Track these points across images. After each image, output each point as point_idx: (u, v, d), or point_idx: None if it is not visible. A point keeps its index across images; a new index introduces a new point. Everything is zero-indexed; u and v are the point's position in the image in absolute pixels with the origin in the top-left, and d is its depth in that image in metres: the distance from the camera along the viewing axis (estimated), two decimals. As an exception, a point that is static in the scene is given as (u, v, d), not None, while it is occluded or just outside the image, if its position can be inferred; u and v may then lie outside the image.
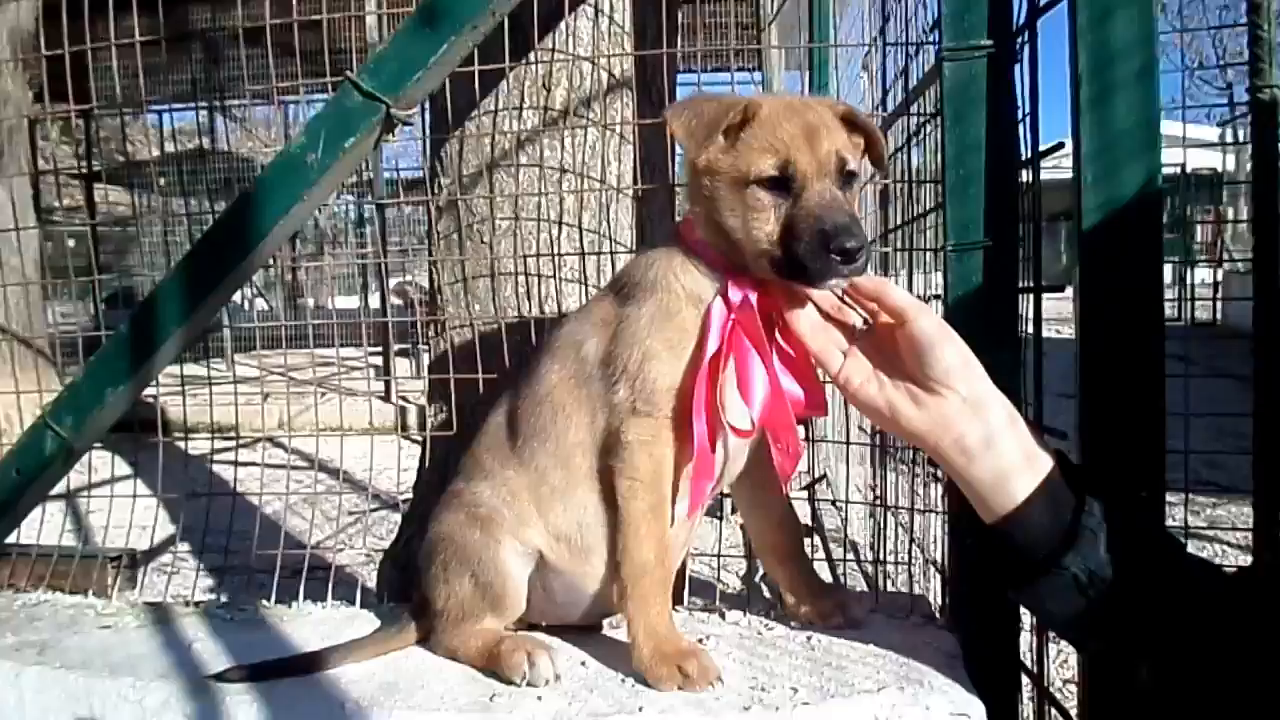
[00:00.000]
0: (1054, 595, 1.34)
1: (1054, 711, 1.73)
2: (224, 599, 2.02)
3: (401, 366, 10.37)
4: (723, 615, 1.83)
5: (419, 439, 2.29)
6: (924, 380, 1.40)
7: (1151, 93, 1.49)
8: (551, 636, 1.71)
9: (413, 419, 7.77)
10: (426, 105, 2.25)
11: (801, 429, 4.83)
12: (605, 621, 1.76)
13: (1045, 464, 1.37)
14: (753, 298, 1.51)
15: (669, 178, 2.17)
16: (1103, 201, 1.50)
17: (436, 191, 2.28)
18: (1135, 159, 1.47)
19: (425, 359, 2.46)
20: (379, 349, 10.47)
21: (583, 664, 1.61)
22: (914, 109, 2.27)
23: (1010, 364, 1.69)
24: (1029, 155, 1.71)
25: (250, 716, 1.51)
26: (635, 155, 2.24)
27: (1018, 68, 1.69)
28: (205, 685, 1.58)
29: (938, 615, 1.80)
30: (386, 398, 8.59)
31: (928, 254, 2.13)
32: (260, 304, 14.67)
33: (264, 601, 1.98)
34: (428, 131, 2.32)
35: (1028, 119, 1.70)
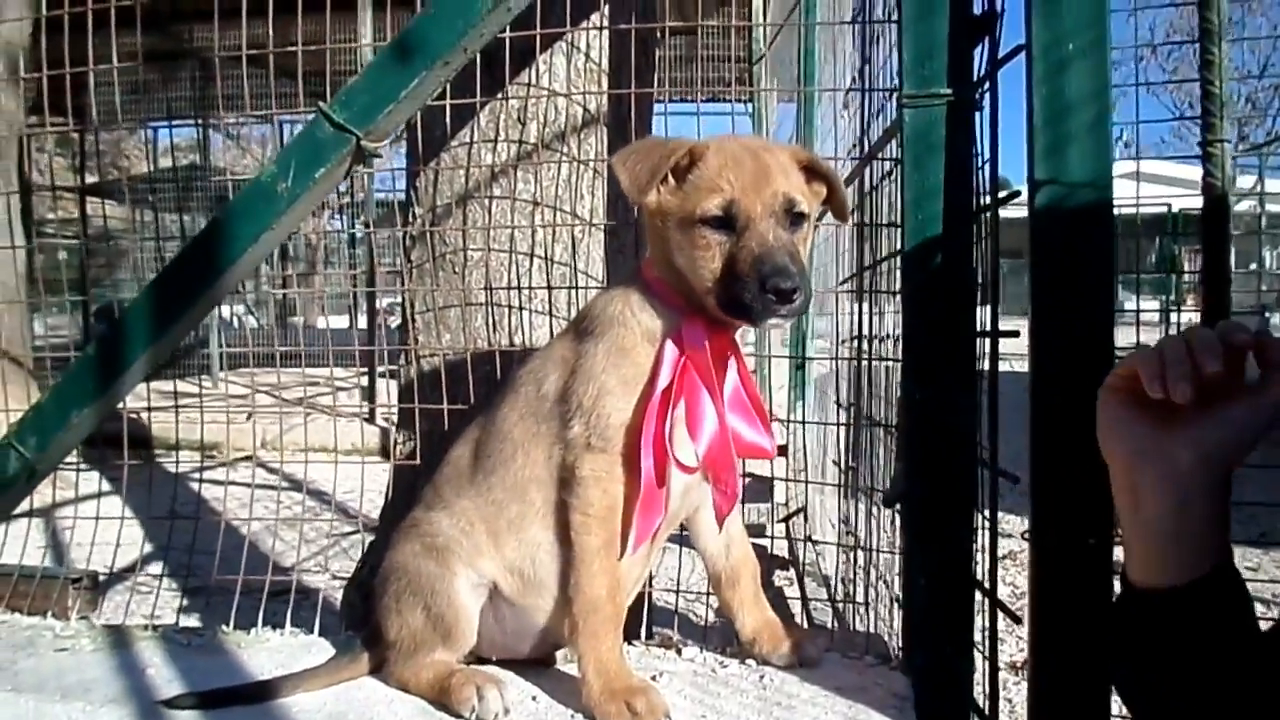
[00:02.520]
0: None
1: (1005, 755, 1.73)
2: (187, 623, 2.02)
3: (388, 389, 10.35)
4: (679, 651, 1.83)
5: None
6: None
7: (1104, 144, 1.51)
8: (504, 670, 1.71)
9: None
10: (404, 135, 2.28)
11: (780, 462, 4.82)
12: (559, 655, 1.76)
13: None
14: (704, 337, 1.54)
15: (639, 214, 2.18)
16: (1055, 248, 1.52)
17: (411, 221, 2.30)
18: (1087, 208, 1.49)
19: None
20: (366, 370, 10.45)
21: (533, 699, 1.62)
22: (883, 153, 2.30)
23: (968, 406, 1.71)
24: (988, 200, 1.73)
25: (199, 744, 1.51)
26: (607, 191, 2.26)
27: (979, 115, 1.72)
28: (156, 711, 1.58)
29: (895, 655, 1.80)
30: (371, 420, 8.57)
31: (896, 296, 2.15)
32: (250, 322, 14.67)
33: (223, 627, 1.98)
34: (406, 162, 2.35)
35: (987, 165, 1.72)
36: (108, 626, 1.98)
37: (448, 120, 2.07)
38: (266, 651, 1.85)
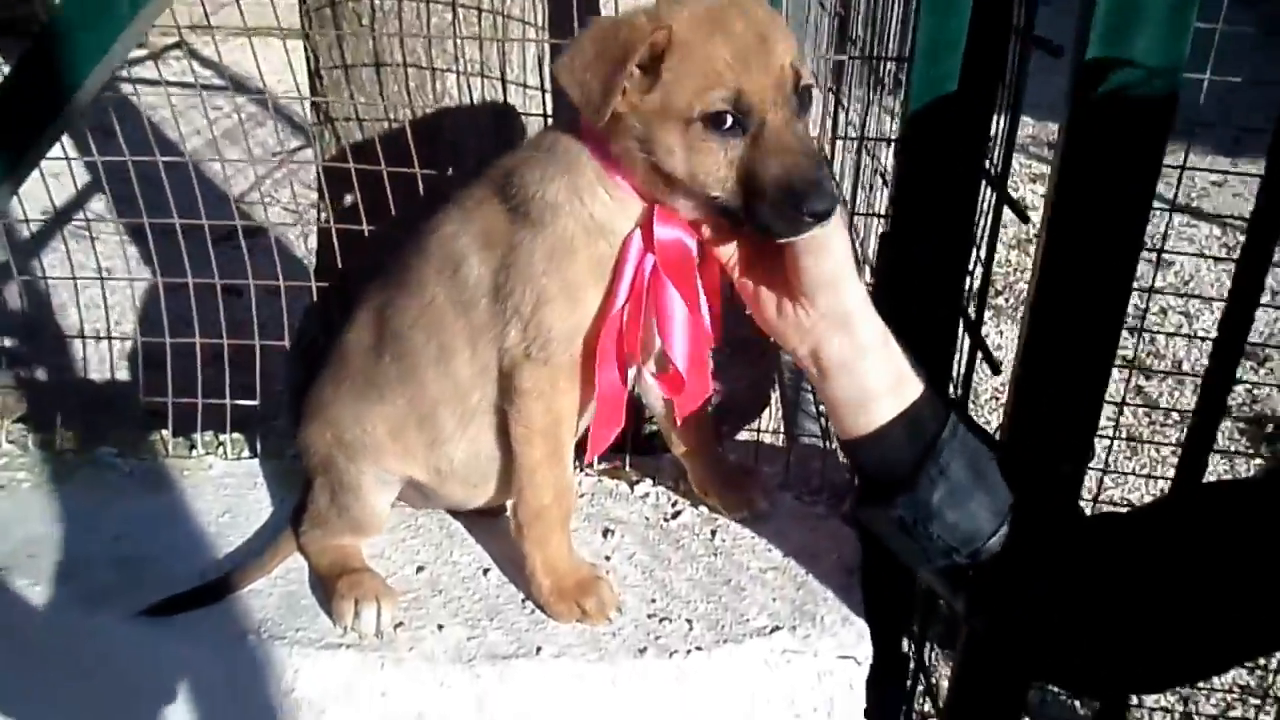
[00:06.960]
0: (883, 526, 1.34)
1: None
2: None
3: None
4: (631, 486, 1.80)
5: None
6: (793, 289, 1.27)
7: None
8: (455, 521, 1.71)
9: None
10: None
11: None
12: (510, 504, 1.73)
13: (914, 391, 1.28)
14: (689, 241, 1.33)
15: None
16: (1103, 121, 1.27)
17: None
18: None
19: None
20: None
21: (484, 572, 1.61)
22: None
23: (957, 271, 1.52)
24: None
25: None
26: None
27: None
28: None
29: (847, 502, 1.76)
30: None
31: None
32: None
33: (163, 433, 1.90)
34: None
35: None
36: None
37: None
38: (211, 486, 1.80)
